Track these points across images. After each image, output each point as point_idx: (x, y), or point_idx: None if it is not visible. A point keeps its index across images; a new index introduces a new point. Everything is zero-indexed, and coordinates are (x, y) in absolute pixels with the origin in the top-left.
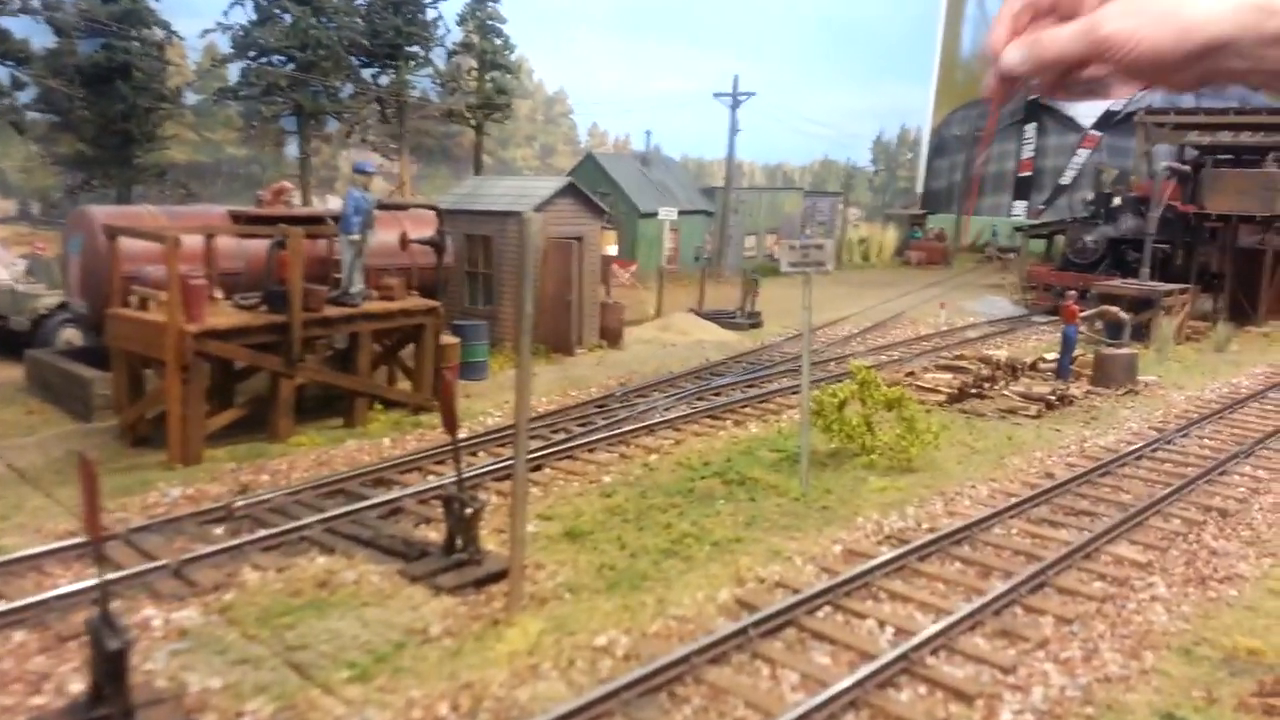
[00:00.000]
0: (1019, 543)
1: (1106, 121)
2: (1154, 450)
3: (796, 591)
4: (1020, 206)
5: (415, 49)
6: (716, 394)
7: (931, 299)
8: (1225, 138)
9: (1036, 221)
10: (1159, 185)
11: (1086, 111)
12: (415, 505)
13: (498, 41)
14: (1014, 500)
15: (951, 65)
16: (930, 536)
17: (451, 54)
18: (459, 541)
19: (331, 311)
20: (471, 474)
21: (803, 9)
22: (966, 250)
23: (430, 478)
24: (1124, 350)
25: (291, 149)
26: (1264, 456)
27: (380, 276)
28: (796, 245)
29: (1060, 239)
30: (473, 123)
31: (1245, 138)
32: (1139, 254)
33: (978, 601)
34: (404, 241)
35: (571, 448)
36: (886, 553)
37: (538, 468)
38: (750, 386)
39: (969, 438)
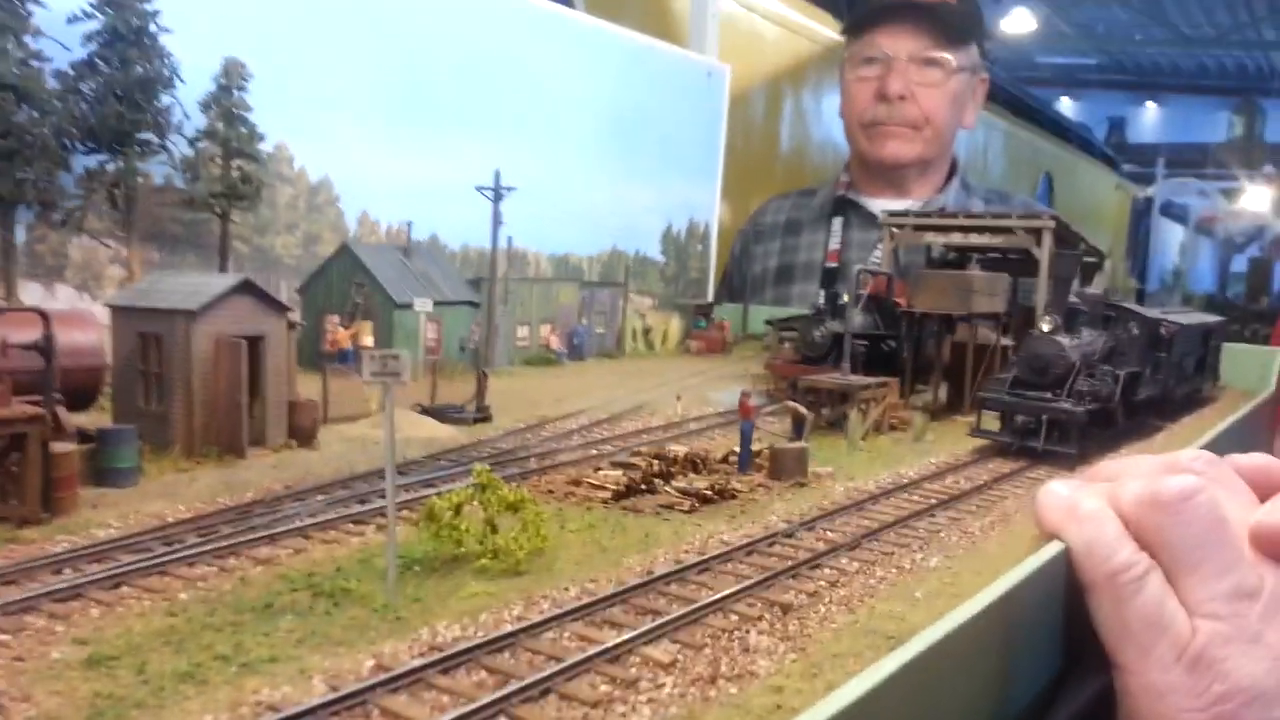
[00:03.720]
0: (562, 646)
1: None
2: (769, 544)
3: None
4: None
5: (147, 136)
6: (383, 495)
7: (689, 388)
8: (957, 238)
9: (783, 316)
10: (861, 285)
11: (887, 208)
12: None
13: (243, 130)
14: (589, 600)
15: (749, 160)
16: (474, 642)
17: (193, 141)
18: None
19: None
20: None
21: (585, 106)
22: (751, 339)
23: None
24: (795, 445)
25: (16, 234)
26: (868, 549)
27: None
28: (377, 355)
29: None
30: (217, 211)
31: (974, 239)
32: (868, 348)
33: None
34: (3, 348)
35: (168, 562)
36: (412, 664)
37: (117, 585)
38: (427, 486)
39: (607, 536)
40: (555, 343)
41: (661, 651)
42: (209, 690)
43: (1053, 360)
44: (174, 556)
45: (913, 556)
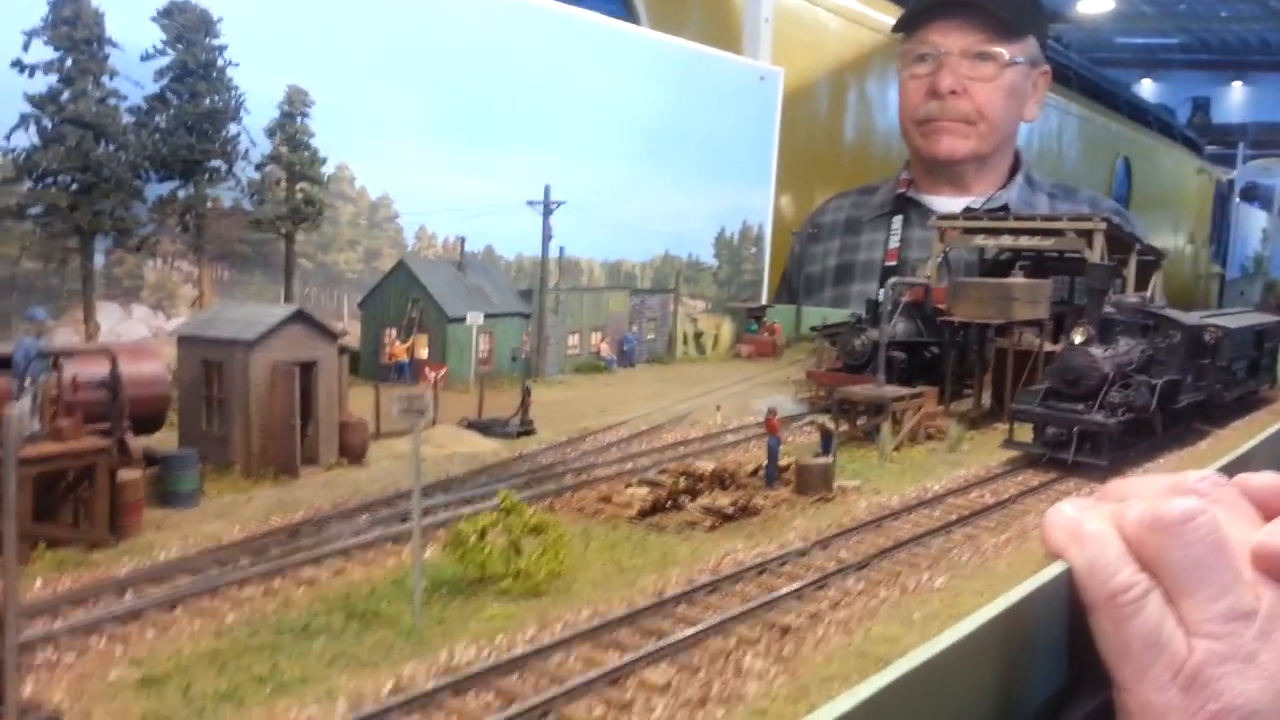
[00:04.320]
0: (568, 669)
1: (967, 217)
2: (781, 564)
3: None
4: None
5: (216, 164)
6: (423, 514)
7: (733, 396)
8: (1007, 240)
9: (829, 323)
10: (899, 294)
11: (949, 206)
12: None
13: (306, 154)
14: (600, 623)
15: (813, 154)
16: (487, 665)
17: (259, 166)
18: None
19: None
20: None
21: (637, 115)
22: (805, 340)
23: (58, 622)
24: (819, 460)
25: (96, 260)
26: (877, 568)
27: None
28: (403, 395)
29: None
30: (282, 231)
31: (1024, 240)
32: (910, 355)
33: None
34: (74, 384)
35: (220, 584)
36: (426, 686)
37: (173, 607)
38: (465, 504)
39: (627, 556)
40: (606, 350)
41: (659, 674)
42: (245, 711)
43: (1085, 371)
44: (225, 579)
45: (919, 576)
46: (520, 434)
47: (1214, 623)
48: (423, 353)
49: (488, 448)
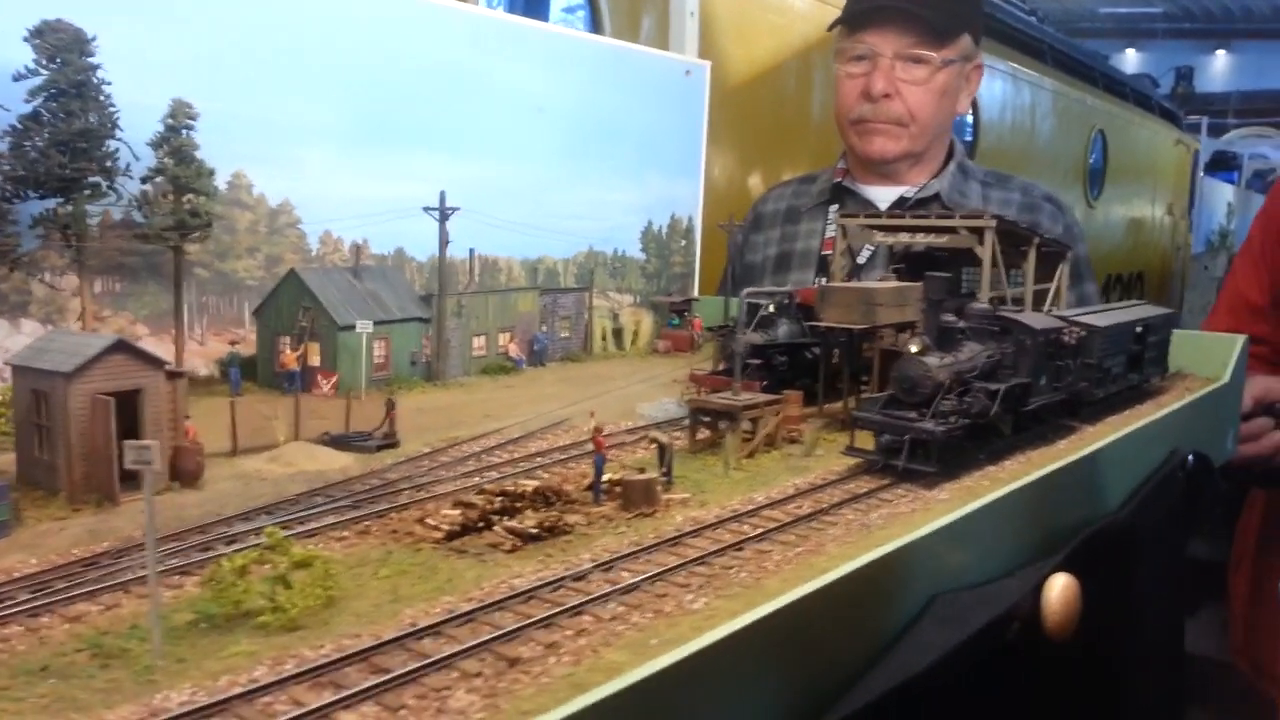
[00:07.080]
0: (274, 710)
1: (900, 206)
2: (555, 589)
3: None
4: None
5: (95, 180)
6: (229, 543)
7: (626, 398)
8: (904, 237)
9: (721, 324)
10: (752, 305)
11: (884, 196)
12: None
13: (192, 167)
14: (335, 659)
15: (780, 134)
16: (192, 708)
17: (144, 179)
18: None
19: None
20: None
21: (557, 114)
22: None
23: None
24: (642, 476)
25: None
26: (645, 590)
27: None
28: (134, 446)
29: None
30: (170, 244)
31: (920, 238)
32: (791, 357)
33: None
34: None
35: None
36: None
37: None
38: (283, 528)
39: (409, 584)
40: (514, 350)
41: (356, 714)
42: None
43: (918, 381)
44: None
45: (682, 598)
46: (380, 448)
47: None
48: (315, 361)
49: (338, 464)
